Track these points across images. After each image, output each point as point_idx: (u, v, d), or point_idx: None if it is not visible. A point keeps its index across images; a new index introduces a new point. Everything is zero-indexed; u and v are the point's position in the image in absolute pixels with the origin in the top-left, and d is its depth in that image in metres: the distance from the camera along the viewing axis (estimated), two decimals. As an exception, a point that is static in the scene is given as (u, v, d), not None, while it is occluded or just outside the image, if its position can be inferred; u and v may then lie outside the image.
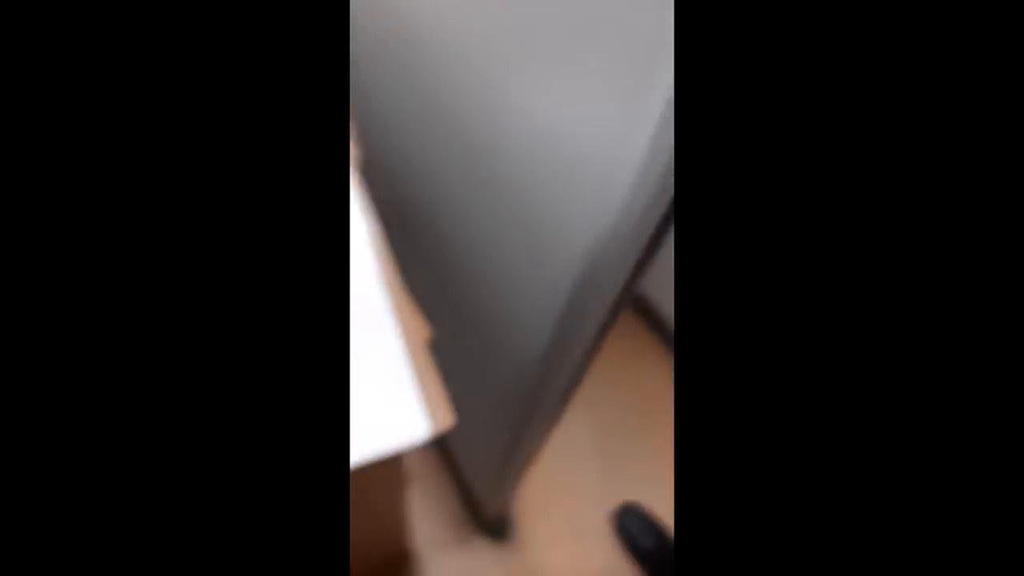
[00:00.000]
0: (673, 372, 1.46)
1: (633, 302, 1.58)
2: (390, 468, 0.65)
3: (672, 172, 0.38)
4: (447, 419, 0.48)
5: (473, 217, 0.63)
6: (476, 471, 1.08)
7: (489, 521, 1.17)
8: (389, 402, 0.48)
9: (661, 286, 1.49)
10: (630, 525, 1.20)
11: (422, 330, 0.52)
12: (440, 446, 1.25)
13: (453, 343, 0.74)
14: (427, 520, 1.20)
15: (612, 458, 1.32)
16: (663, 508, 1.25)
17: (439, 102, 0.62)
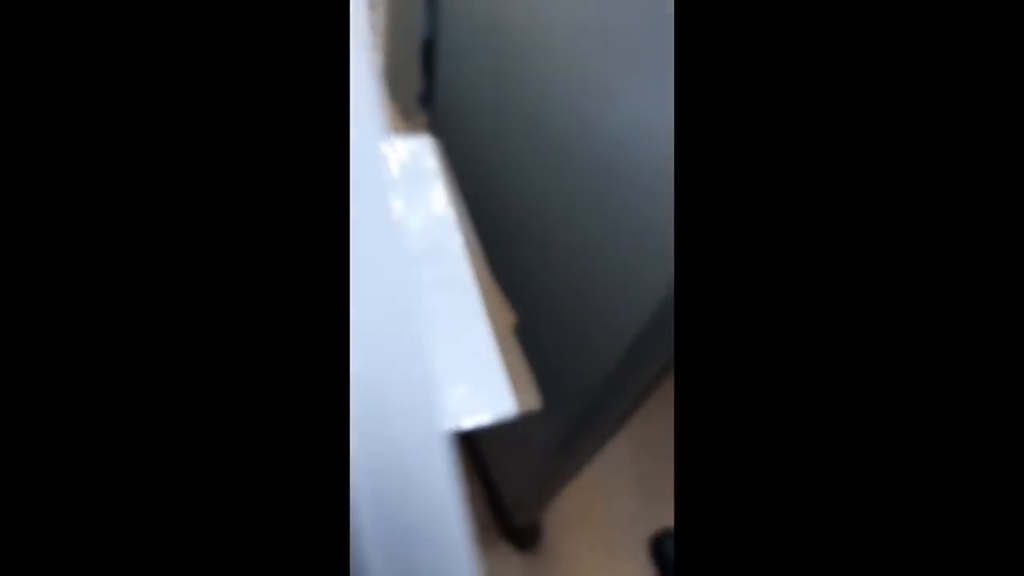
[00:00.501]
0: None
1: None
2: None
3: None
4: (532, 400, 0.48)
5: (559, 223, 0.63)
6: (511, 476, 1.08)
7: (517, 528, 1.17)
8: (474, 379, 0.48)
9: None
10: (669, 551, 1.17)
11: (507, 315, 0.53)
12: (471, 445, 1.25)
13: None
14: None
15: (652, 485, 1.29)
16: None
17: (532, 93, 0.62)
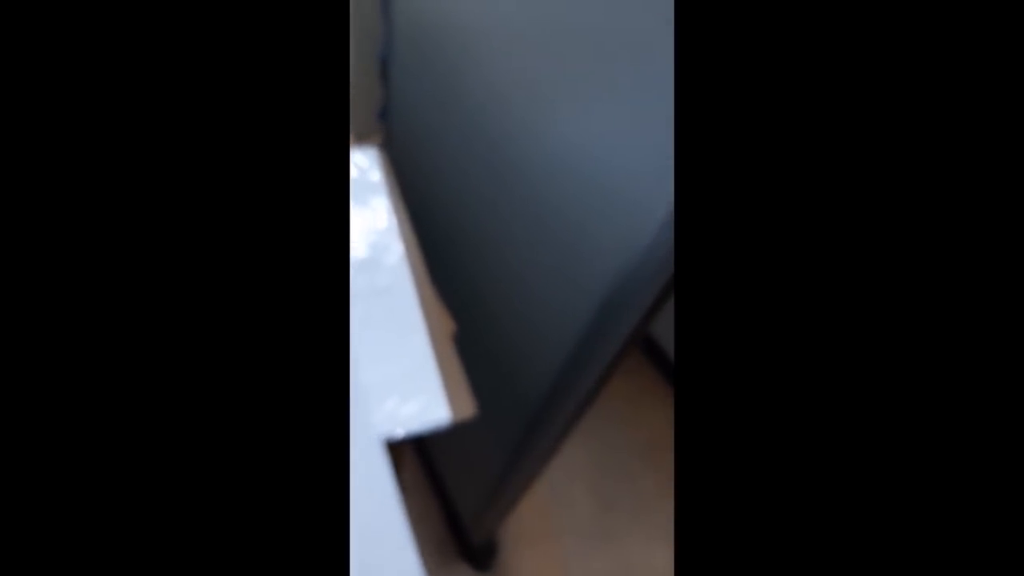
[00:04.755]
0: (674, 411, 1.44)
1: (644, 342, 1.57)
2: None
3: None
4: (468, 409, 0.48)
5: (501, 234, 0.64)
6: (466, 494, 1.07)
7: (474, 547, 1.15)
8: (410, 387, 0.48)
9: (672, 330, 1.48)
10: None
11: (447, 323, 0.53)
12: (429, 464, 1.24)
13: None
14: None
15: (606, 496, 1.30)
16: (656, 552, 1.22)
17: (476, 111, 0.63)
